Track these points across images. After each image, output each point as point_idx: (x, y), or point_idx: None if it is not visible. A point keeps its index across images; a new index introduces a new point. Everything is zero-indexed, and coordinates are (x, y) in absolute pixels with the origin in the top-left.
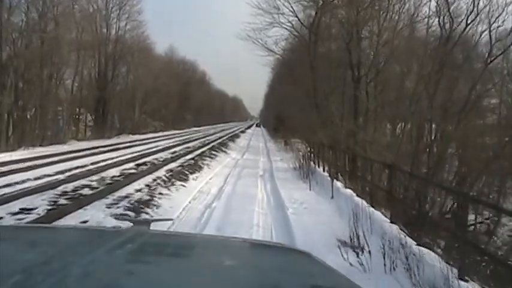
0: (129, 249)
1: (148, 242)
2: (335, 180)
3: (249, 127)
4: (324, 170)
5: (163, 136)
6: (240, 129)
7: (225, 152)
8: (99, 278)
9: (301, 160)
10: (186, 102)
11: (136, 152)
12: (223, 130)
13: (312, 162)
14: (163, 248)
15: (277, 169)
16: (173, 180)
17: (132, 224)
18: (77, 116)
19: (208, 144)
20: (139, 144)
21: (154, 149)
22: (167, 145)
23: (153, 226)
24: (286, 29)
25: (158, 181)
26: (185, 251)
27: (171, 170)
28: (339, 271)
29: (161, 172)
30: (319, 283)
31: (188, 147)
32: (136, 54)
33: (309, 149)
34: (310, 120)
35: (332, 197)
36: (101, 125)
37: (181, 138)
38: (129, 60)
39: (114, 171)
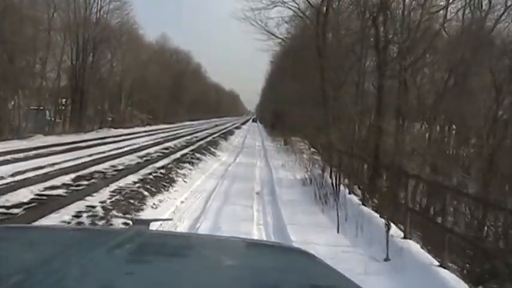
0: (129, 249)
1: (148, 242)
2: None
3: (245, 122)
4: (348, 191)
5: (147, 131)
6: (235, 125)
7: (213, 154)
8: (99, 278)
9: (309, 167)
10: (179, 95)
11: (95, 155)
12: (217, 125)
13: (326, 175)
14: (162, 247)
15: (279, 182)
16: (114, 212)
17: (131, 224)
18: (62, 107)
19: (194, 143)
20: (111, 142)
21: (122, 150)
22: (143, 144)
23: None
24: (290, 9)
25: (84, 216)
26: (184, 250)
27: (120, 191)
28: (338, 271)
29: (102, 195)
30: (319, 283)
31: (167, 148)
32: (124, 39)
33: (312, 150)
34: (316, 117)
35: (387, 258)
36: (78, 117)
37: (166, 134)
38: (113, 45)
39: (26, 193)
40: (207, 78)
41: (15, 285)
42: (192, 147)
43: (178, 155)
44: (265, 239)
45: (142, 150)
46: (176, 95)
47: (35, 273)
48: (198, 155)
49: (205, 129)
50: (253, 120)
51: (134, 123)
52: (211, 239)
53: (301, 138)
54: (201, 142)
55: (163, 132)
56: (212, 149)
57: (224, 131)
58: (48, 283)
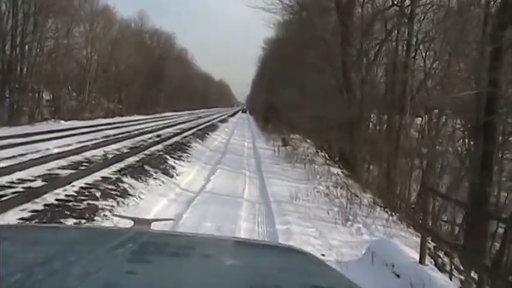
0: (130, 248)
1: (149, 241)
2: None
3: (234, 114)
4: None
5: (95, 126)
6: (222, 117)
7: (168, 171)
8: (100, 277)
9: (348, 209)
10: (159, 82)
11: None
12: (199, 117)
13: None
14: (163, 247)
15: None
16: None
17: (132, 224)
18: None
19: (146, 148)
20: None
21: None
22: (48, 153)
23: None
24: None
25: None
26: (186, 250)
27: None
28: (339, 271)
29: None
30: (319, 283)
31: (76, 166)
32: (87, 9)
33: (321, 153)
34: (329, 109)
35: None
36: (13, 104)
37: (118, 131)
38: (63, 10)
39: None
40: (193, 65)
41: (16, 284)
42: (133, 159)
43: (76, 186)
44: None
45: (12, 172)
46: (155, 81)
47: (36, 272)
48: (128, 183)
49: (182, 123)
50: (242, 111)
51: (97, 113)
52: (212, 239)
53: (303, 136)
54: (158, 146)
55: (117, 128)
56: (171, 161)
57: (206, 125)
58: (49, 282)
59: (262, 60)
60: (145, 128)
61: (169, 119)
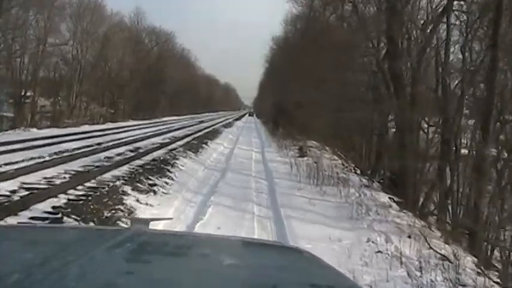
0: (128, 248)
1: (148, 241)
2: None
3: (239, 118)
4: None
5: (64, 136)
6: (227, 121)
7: (119, 223)
8: (98, 277)
9: None
10: (159, 84)
11: None
12: (201, 122)
13: None
14: (162, 247)
15: None
16: None
17: (130, 223)
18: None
19: (104, 172)
20: None
21: None
22: None
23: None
24: None
25: None
26: (184, 250)
27: None
28: (338, 270)
29: None
30: (318, 282)
31: None
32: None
33: (348, 165)
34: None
35: None
36: None
37: (86, 143)
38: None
39: None
40: (197, 67)
41: (14, 284)
42: (53, 202)
43: None
44: None
45: None
46: (155, 83)
47: (35, 272)
48: None
49: (178, 129)
50: (249, 115)
51: (84, 119)
52: (210, 238)
53: (321, 142)
54: (122, 169)
55: (90, 137)
56: (133, 196)
57: (206, 131)
58: (47, 282)
59: (271, 60)
60: (127, 137)
61: (165, 124)
